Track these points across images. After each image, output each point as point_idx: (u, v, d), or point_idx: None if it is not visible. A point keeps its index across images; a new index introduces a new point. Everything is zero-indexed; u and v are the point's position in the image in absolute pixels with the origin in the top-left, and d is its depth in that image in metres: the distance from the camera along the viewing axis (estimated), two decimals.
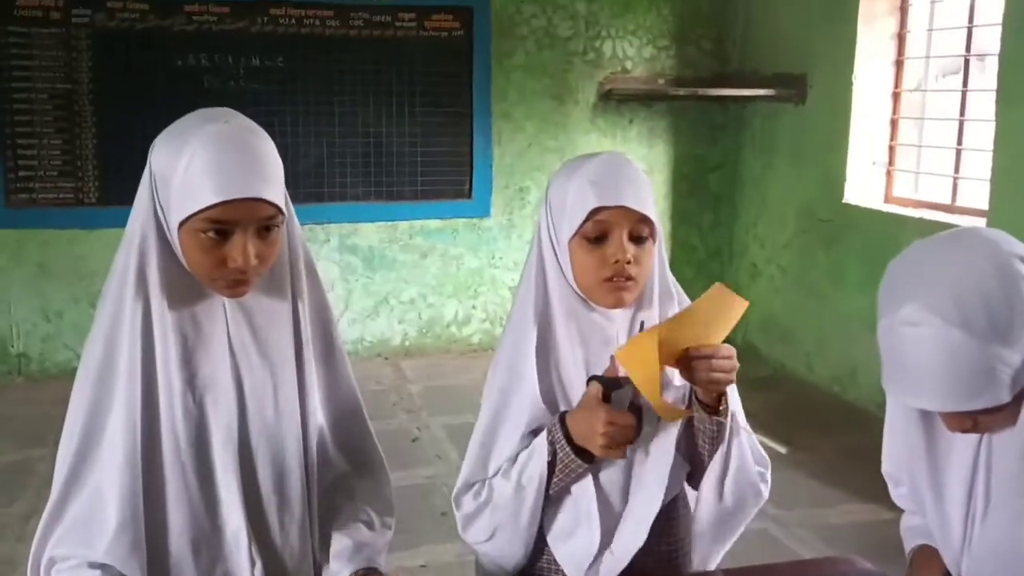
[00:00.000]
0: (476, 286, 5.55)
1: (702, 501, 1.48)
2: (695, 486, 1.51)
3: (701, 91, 5.42)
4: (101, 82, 4.75)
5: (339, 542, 1.38)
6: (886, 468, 1.50)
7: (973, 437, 1.26)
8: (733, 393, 1.47)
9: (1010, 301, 1.12)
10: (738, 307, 1.35)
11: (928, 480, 1.35)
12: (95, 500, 1.25)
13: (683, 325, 1.34)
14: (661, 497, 1.44)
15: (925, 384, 1.15)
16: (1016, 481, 1.21)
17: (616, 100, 5.49)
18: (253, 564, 1.30)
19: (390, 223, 5.33)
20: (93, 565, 1.23)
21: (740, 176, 5.72)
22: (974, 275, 1.13)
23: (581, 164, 1.43)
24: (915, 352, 1.14)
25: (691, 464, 1.50)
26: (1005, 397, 1.13)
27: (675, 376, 1.42)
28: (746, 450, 1.47)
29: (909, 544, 1.48)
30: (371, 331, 5.41)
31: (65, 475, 1.26)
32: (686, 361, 1.34)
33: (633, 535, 1.43)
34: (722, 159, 5.78)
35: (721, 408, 1.42)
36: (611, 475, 1.45)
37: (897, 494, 1.52)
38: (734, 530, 1.55)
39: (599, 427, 1.33)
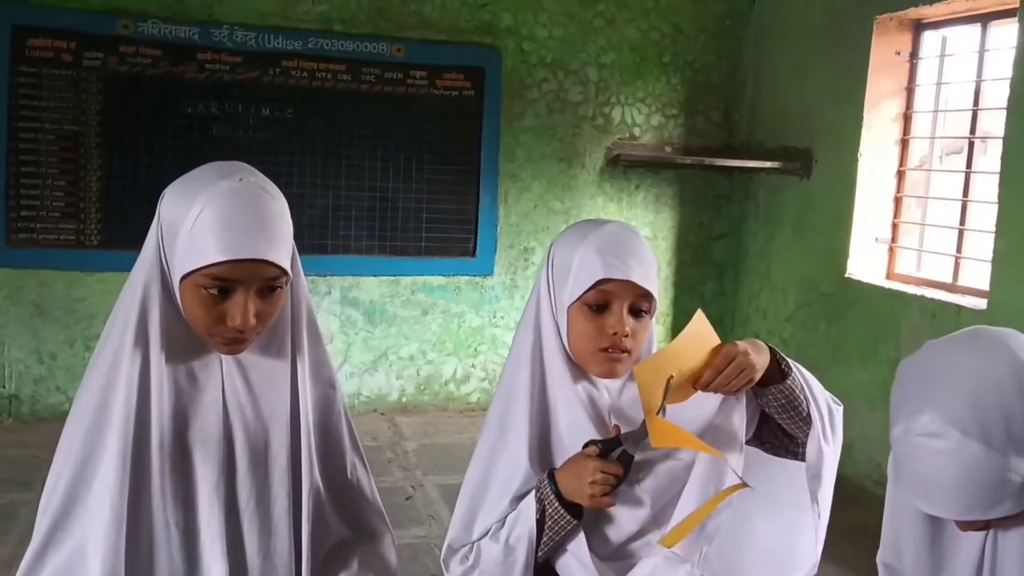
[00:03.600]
0: (476, 344, 5.52)
1: (822, 454, 1.46)
2: (801, 456, 1.48)
3: (708, 160, 5.46)
4: (109, 126, 4.76)
5: None
6: (883, 557, 1.47)
7: (980, 532, 1.24)
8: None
9: None
10: (698, 320, 1.35)
11: (930, 572, 1.32)
12: (77, 556, 1.21)
13: (659, 375, 1.32)
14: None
15: (940, 494, 1.14)
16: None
17: (623, 165, 5.53)
18: None
19: (392, 278, 5.33)
20: None
21: (744, 246, 5.73)
22: (993, 385, 1.11)
23: (590, 231, 1.42)
24: (932, 463, 1.13)
25: (786, 438, 1.48)
26: (1021, 506, 1.12)
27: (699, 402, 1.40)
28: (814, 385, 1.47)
29: None
30: (368, 386, 5.36)
31: (48, 526, 1.22)
32: (708, 390, 1.34)
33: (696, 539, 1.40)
34: (727, 228, 5.80)
35: (784, 367, 1.40)
36: (607, 532, 1.42)
37: None
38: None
39: (588, 475, 1.32)
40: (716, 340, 1.36)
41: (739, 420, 1.43)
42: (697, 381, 1.34)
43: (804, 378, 1.44)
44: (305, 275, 1.36)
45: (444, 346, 5.48)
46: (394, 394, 5.42)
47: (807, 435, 1.44)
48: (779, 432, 1.49)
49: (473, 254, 5.42)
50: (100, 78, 4.74)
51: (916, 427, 1.13)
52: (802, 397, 1.42)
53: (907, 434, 1.15)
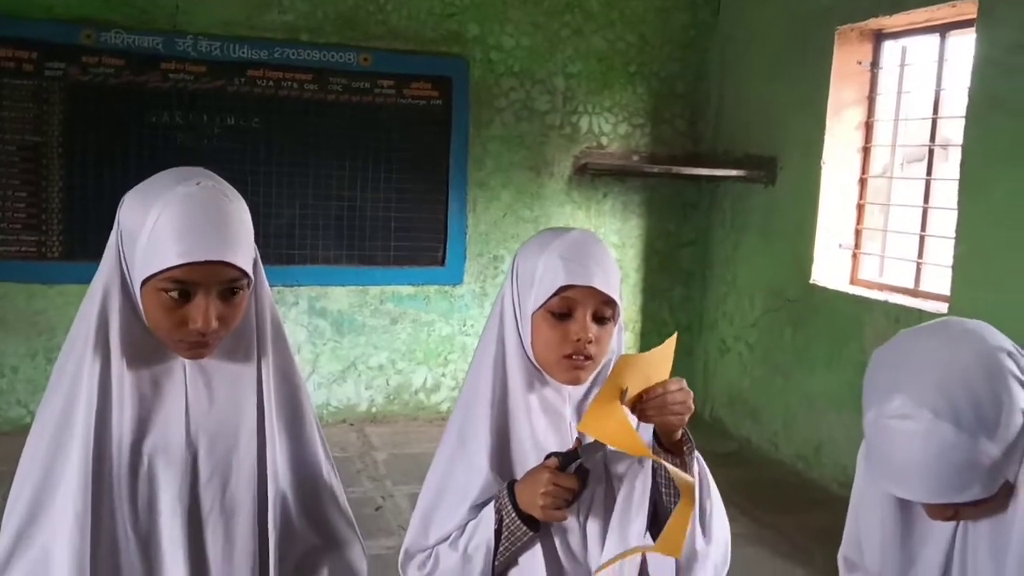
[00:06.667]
0: (446, 353, 5.51)
1: (695, 552, 1.42)
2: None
3: (675, 169, 5.51)
4: (71, 136, 4.69)
5: None
6: (844, 552, 1.49)
7: (950, 524, 1.26)
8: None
9: (997, 396, 1.13)
10: (669, 344, 1.35)
11: (898, 565, 1.33)
12: (43, 560, 1.20)
13: (626, 375, 1.31)
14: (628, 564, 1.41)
15: (912, 476, 1.15)
16: (994, 569, 1.21)
17: (591, 174, 5.56)
18: None
19: (361, 287, 5.30)
20: None
21: (711, 253, 5.78)
22: (963, 370, 1.14)
23: (553, 238, 1.43)
24: (903, 445, 1.15)
25: (655, 515, 1.45)
26: (990, 490, 1.14)
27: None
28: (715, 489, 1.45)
29: None
30: (337, 396, 5.33)
31: (12, 534, 1.22)
32: (640, 407, 1.33)
33: None
34: (693, 236, 5.85)
35: (685, 448, 1.39)
36: (571, 542, 1.42)
37: None
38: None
39: (541, 487, 1.32)
40: (670, 368, 1.36)
41: (642, 487, 1.43)
42: (642, 395, 1.33)
43: (704, 471, 1.43)
44: (271, 286, 1.36)
45: (414, 355, 5.46)
46: (363, 404, 5.39)
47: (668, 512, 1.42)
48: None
49: (442, 263, 5.42)
50: (62, 88, 4.68)
51: (888, 410, 1.16)
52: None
53: (879, 418, 1.17)
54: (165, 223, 1.18)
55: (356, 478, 4.41)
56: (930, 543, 1.29)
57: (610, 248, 1.46)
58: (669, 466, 1.35)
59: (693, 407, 1.35)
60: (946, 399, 1.12)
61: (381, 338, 5.38)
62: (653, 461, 1.42)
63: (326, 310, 5.27)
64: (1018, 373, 1.15)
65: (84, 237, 4.67)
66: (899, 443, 1.15)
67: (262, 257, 1.31)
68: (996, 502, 1.18)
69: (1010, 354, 1.17)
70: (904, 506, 1.29)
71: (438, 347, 5.50)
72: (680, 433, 1.38)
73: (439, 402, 5.50)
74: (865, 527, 1.39)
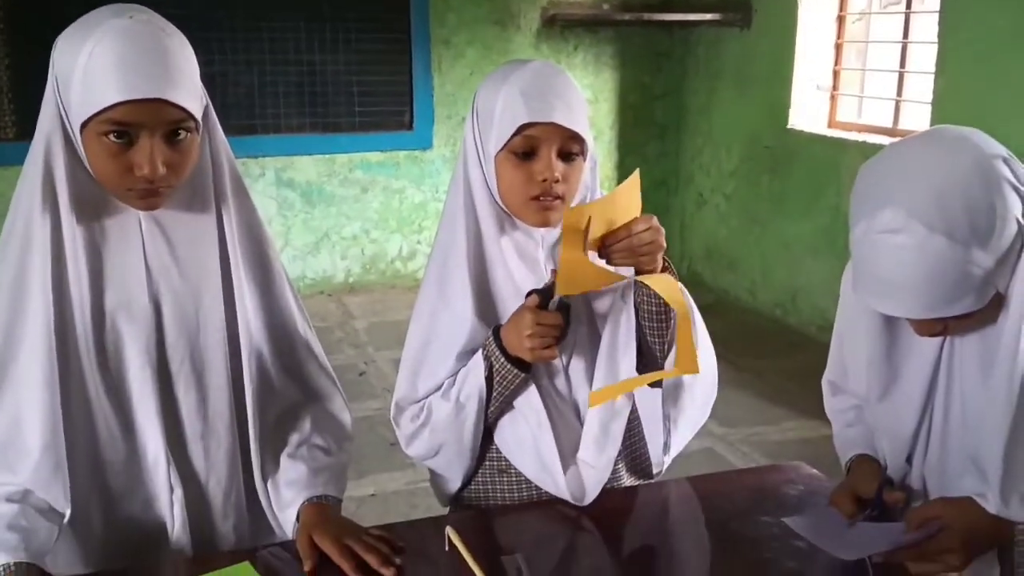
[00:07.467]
0: (420, 220, 5.44)
1: (681, 381, 1.44)
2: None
3: (647, 16, 5.31)
4: (11, 11, 4.46)
5: (294, 469, 1.32)
6: (829, 376, 1.48)
7: (937, 338, 1.23)
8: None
9: (991, 204, 1.08)
10: (631, 182, 1.29)
11: (883, 382, 1.31)
12: (14, 422, 1.18)
13: (581, 226, 1.25)
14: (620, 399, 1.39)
15: (903, 292, 1.11)
16: (981, 381, 1.19)
17: (560, 25, 5.36)
18: (172, 490, 1.25)
19: (328, 156, 5.17)
20: (12, 497, 1.16)
21: (685, 104, 5.66)
22: (957, 178, 1.08)
23: (511, 72, 1.34)
24: (895, 259, 1.10)
25: (640, 353, 1.43)
26: (982, 302, 1.11)
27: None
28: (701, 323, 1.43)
29: (846, 455, 1.47)
30: (313, 268, 5.29)
31: None
32: (606, 251, 1.28)
33: (601, 442, 1.39)
34: (668, 87, 5.70)
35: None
36: (557, 384, 1.41)
37: (832, 405, 1.50)
38: (705, 406, 1.50)
39: (526, 329, 1.29)
40: (639, 207, 1.30)
41: (626, 323, 1.39)
42: (607, 240, 1.28)
43: (689, 302, 1.38)
44: (236, 158, 1.30)
45: (387, 224, 5.39)
46: (340, 275, 5.35)
47: (665, 357, 1.41)
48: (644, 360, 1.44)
49: (410, 127, 5.26)
50: None
51: (878, 224, 1.10)
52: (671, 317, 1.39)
53: (868, 232, 1.12)
54: (99, 58, 1.10)
55: (337, 346, 4.42)
56: (916, 358, 1.27)
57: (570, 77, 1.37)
58: (658, 285, 1.29)
59: (664, 244, 1.30)
60: (939, 210, 1.06)
61: (353, 207, 5.29)
62: (635, 300, 1.39)
63: (294, 181, 5.15)
64: (1013, 179, 1.10)
65: (36, 116, 4.46)
66: (890, 258, 1.10)
67: (223, 128, 1.25)
68: (985, 314, 1.14)
69: (1005, 160, 1.11)
70: (889, 322, 1.26)
71: (411, 214, 5.42)
72: (660, 267, 1.33)
73: (416, 270, 5.46)
74: (850, 348, 1.37)
